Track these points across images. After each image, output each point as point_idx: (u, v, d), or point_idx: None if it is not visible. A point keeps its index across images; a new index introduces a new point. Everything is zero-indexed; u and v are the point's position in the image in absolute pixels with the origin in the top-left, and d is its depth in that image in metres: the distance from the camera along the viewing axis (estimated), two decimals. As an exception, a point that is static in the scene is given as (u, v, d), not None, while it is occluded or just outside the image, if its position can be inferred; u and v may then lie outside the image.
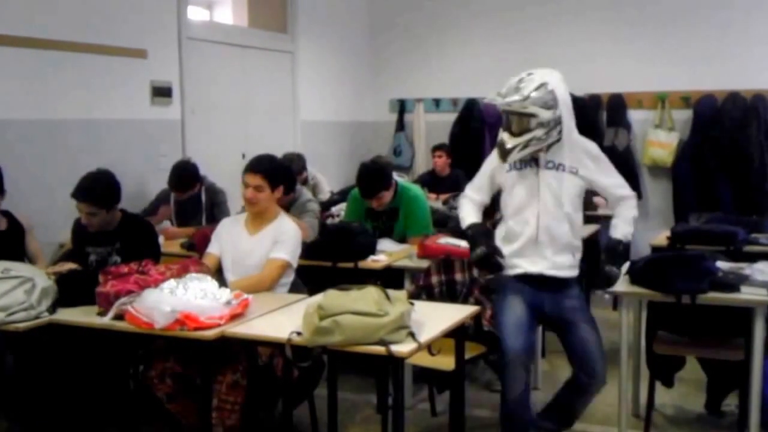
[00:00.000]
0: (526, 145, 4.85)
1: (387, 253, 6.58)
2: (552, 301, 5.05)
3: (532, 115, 4.80)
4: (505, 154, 4.95)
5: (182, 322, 4.41)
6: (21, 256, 5.87)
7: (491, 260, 5.00)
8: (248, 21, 10.25)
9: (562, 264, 5.05)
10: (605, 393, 5.47)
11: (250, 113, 9.82)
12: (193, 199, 7.76)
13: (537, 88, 4.82)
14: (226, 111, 9.40)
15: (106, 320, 4.63)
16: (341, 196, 8.65)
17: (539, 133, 4.82)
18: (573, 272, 5.11)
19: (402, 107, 12.45)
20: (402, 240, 6.95)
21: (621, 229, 5.07)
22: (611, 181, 5.16)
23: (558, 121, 4.86)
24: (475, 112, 11.63)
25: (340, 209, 7.94)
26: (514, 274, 5.08)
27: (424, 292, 5.82)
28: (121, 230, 5.74)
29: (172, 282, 4.65)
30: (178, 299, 4.50)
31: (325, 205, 8.19)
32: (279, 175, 5.78)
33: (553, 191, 4.98)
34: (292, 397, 5.34)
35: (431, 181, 10.31)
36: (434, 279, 5.86)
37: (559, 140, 4.93)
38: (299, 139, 10.60)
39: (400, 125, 12.47)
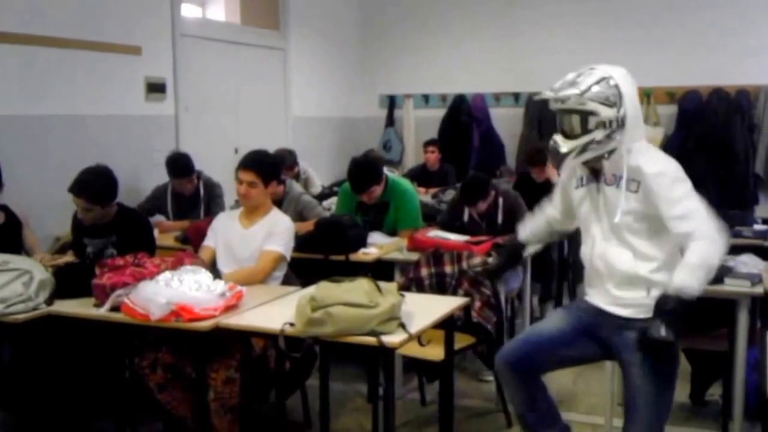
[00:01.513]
0: (583, 149, 4.04)
1: (378, 246, 6.62)
2: (610, 331, 4.23)
3: (591, 113, 4.00)
4: (559, 160, 4.28)
5: (177, 314, 4.44)
6: (18, 249, 5.92)
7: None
8: (240, 18, 10.31)
9: (627, 301, 4.14)
10: (591, 383, 5.58)
11: (242, 109, 9.88)
12: (192, 193, 7.85)
13: (598, 82, 4.02)
14: (219, 107, 9.46)
15: (103, 312, 4.67)
16: (332, 190, 8.73)
17: (599, 135, 3.99)
18: (641, 313, 4.07)
19: (392, 103, 12.53)
20: (392, 233, 6.98)
21: (677, 276, 3.83)
22: (672, 211, 3.91)
23: (622, 122, 3.99)
24: (464, 107, 11.74)
25: (331, 203, 7.99)
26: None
27: (414, 284, 5.84)
28: (118, 223, 5.76)
29: (167, 274, 4.68)
30: (174, 291, 4.53)
31: (317, 199, 8.25)
32: (272, 170, 5.87)
33: (609, 211, 4.12)
34: (285, 387, 5.36)
35: (421, 176, 10.37)
36: (424, 271, 5.90)
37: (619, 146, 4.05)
38: (291, 134, 10.66)
39: (390, 120, 12.55)
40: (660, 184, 3.93)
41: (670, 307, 3.78)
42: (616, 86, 4.01)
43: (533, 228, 4.84)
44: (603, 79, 4.02)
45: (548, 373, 4.47)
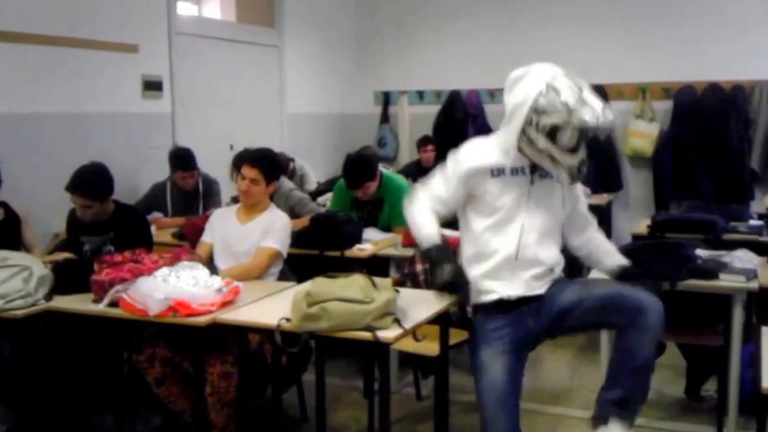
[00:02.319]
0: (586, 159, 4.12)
1: (372, 242, 6.66)
2: (536, 312, 4.25)
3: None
4: (576, 176, 4.14)
5: (175, 309, 4.48)
6: (17, 246, 5.96)
7: (460, 281, 4.23)
8: (236, 16, 10.32)
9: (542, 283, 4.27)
10: (587, 378, 5.60)
11: (238, 106, 9.90)
12: (192, 188, 7.88)
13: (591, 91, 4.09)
14: (214, 104, 9.47)
15: (101, 307, 4.71)
16: (327, 186, 8.75)
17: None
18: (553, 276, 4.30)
19: (386, 99, 12.51)
20: (387, 229, 7.04)
21: (617, 257, 4.44)
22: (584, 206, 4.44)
23: None
24: (458, 103, 11.72)
25: (326, 199, 8.03)
26: (486, 301, 4.30)
27: (409, 279, 5.84)
28: (115, 220, 5.80)
29: (164, 270, 4.72)
30: (171, 287, 4.56)
31: (312, 196, 8.27)
32: (275, 169, 5.92)
33: (548, 203, 4.24)
34: (281, 382, 5.39)
35: (416, 172, 10.37)
36: (419, 267, 5.90)
37: None
38: (286, 131, 10.68)
39: (385, 117, 12.54)
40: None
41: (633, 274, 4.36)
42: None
43: (437, 226, 4.44)
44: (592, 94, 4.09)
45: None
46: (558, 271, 4.35)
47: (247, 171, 5.65)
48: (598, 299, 4.10)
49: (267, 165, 5.74)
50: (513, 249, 4.20)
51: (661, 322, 3.92)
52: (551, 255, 4.29)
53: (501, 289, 4.24)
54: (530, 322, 4.25)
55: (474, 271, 4.31)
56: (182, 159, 7.76)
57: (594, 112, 3.96)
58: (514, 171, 4.21)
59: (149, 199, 7.87)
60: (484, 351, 4.26)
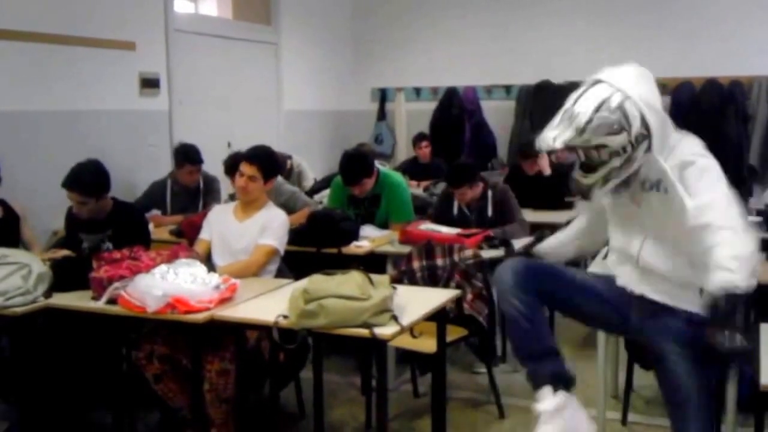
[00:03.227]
0: (606, 180, 3.77)
1: (370, 239, 6.67)
2: (644, 314, 3.94)
3: (600, 146, 3.68)
4: (587, 196, 3.96)
5: (173, 306, 4.50)
6: (16, 243, 5.98)
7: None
8: (233, 13, 10.34)
9: (674, 294, 3.85)
10: (585, 374, 5.60)
11: (235, 103, 9.92)
12: (194, 185, 7.91)
13: (597, 109, 3.64)
14: (212, 101, 9.49)
15: (100, 304, 4.72)
16: (324, 183, 8.76)
17: (616, 162, 3.69)
18: (687, 304, 3.77)
19: (383, 96, 12.55)
20: (384, 226, 7.04)
21: (713, 277, 3.34)
22: (695, 201, 3.55)
23: (641, 138, 3.67)
24: (455, 100, 11.75)
25: (322, 196, 8.05)
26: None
27: (406, 276, 5.88)
28: (113, 218, 5.80)
29: (162, 267, 4.72)
30: (169, 284, 4.57)
31: (309, 193, 8.29)
32: (274, 168, 5.93)
33: (657, 218, 3.84)
34: (279, 379, 5.38)
35: (413, 169, 10.41)
36: (416, 264, 5.93)
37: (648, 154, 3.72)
38: (283, 128, 10.69)
39: (382, 114, 12.57)
40: (690, 173, 3.64)
41: (721, 312, 3.31)
42: (621, 106, 3.65)
43: (559, 240, 4.50)
44: (601, 104, 3.66)
45: (552, 312, 4.24)
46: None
47: (246, 168, 5.67)
48: (669, 386, 3.75)
49: (266, 163, 5.75)
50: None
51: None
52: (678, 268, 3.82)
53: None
54: (634, 314, 4.00)
55: None
56: (191, 152, 7.79)
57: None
58: None
59: (149, 197, 7.88)
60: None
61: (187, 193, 7.86)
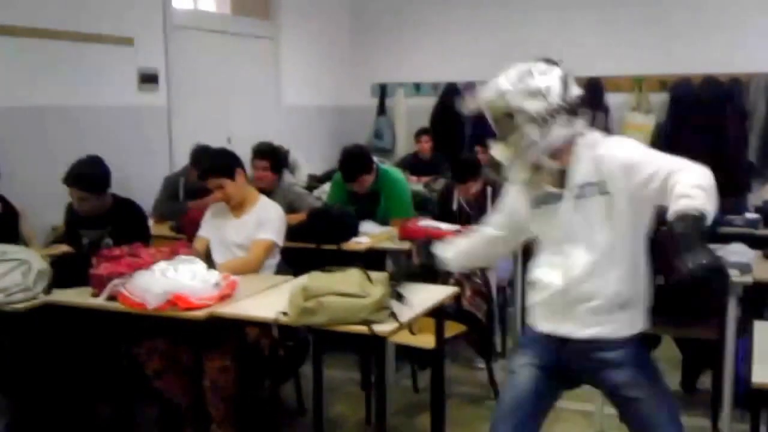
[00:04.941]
0: (522, 152, 3.49)
1: (369, 235, 6.68)
2: (590, 365, 3.59)
3: (518, 111, 3.45)
4: (505, 173, 3.68)
5: (173, 303, 4.52)
6: (16, 239, 5.96)
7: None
8: (231, 8, 10.33)
9: (605, 318, 3.51)
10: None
11: (234, 98, 9.91)
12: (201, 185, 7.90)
13: (519, 78, 3.48)
14: (210, 96, 9.48)
15: (100, 301, 4.75)
16: (321, 180, 8.80)
17: (533, 132, 3.42)
18: (624, 330, 3.53)
19: (383, 91, 12.51)
20: (384, 222, 7.03)
21: (677, 204, 3.05)
22: (651, 169, 3.30)
23: (555, 113, 3.43)
24: (455, 95, 11.73)
25: (322, 192, 8.06)
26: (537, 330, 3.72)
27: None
28: (113, 213, 5.81)
29: (162, 264, 4.75)
30: (169, 281, 4.61)
31: (306, 187, 8.31)
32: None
33: (581, 227, 3.50)
34: (279, 375, 5.43)
35: (413, 164, 10.41)
36: (415, 260, 5.95)
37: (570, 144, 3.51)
38: (282, 123, 10.66)
39: (382, 109, 12.53)
40: (629, 164, 3.36)
41: (687, 238, 2.95)
42: (543, 77, 3.48)
43: (458, 251, 4.16)
44: (525, 73, 3.50)
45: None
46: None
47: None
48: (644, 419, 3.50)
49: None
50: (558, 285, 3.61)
51: None
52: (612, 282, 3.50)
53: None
54: (575, 366, 3.63)
55: None
56: (199, 158, 7.77)
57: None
58: None
59: (167, 191, 7.87)
60: (518, 352, 3.83)
61: (197, 189, 7.86)
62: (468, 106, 3.73)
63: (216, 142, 8.87)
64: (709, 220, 3.03)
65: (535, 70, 3.50)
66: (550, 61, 3.57)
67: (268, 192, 6.48)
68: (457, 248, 4.15)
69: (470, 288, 5.62)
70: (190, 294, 4.56)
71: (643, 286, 3.57)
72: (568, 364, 3.60)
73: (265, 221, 5.69)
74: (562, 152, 3.51)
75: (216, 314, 4.57)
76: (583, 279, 3.50)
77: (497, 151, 3.58)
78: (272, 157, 7.10)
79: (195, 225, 6.03)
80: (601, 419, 5.62)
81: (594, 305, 3.49)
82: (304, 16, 11.24)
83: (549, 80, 3.48)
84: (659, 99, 10.61)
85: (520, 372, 3.67)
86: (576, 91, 3.54)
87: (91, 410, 5.68)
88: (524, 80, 3.47)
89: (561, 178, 3.54)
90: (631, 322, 3.53)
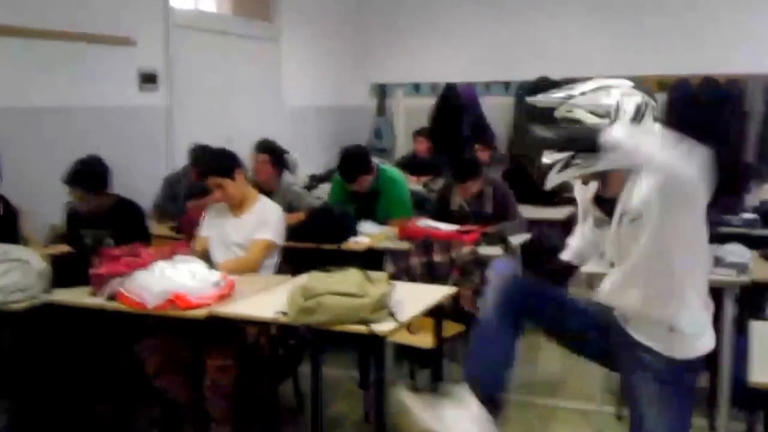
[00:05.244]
0: (566, 165, 3.32)
1: (368, 235, 6.70)
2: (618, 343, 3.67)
3: (574, 121, 3.39)
4: (542, 176, 3.41)
5: (173, 302, 4.54)
6: (16, 239, 5.97)
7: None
8: (232, 9, 10.34)
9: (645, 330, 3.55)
10: (582, 369, 5.62)
11: (235, 99, 9.90)
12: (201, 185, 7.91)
13: (594, 90, 3.41)
14: (211, 97, 9.46)
15: (100, 301, 4.76)
16: (321, 180, 8.82)
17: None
18: (658, 345, 3.51)
19: (383, 92, 12.56)
20: (384, 222, 7.04)
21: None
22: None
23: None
24: (454, 96, 11.76)
25: (322, 192, 8.08)
26: None
27: (405, 273, 5.93)
28: (114, 213, 5.85)
29: (162, 264, 4.76)
30: (169, 280, 4.62)
31: (305, 187, 8.33)
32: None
33: (617, 251, 3.54)
34: (278, 374, 5.43)
35: (412, 164, 10.41)
36: (414, 260, 5.95)
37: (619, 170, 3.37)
38: (283, 123, 10.65)
39: (381, 109, 12.57)
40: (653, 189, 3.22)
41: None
42: (617, 100, 3.36)
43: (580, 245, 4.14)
44: (601, 88, 3.41)
45: (533, 326, 3.94)
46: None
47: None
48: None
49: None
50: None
51: None
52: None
53: None
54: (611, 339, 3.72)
55: None
56: (197, 158, 7.78)
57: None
58: None
59: (167, 191, 7.90)
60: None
61: (195, 191, 7.87)
62: (538, 101, 3.56)
63: (216, 142, 8.88)
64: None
65: (614, 88, 3.41)
66: (639, 87, 3.46)
67: (268, 192, 6.50)
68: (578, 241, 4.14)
69: (469, 288, 5.63)
70: (189, 293, 4.57)
71: (687, 313, 3.47)
72: (614, 337, 3.67)
73: (265, 221, 5.70)
74: (611, 179, 3.47)
75: (216, 314, 4.58)
76: (607, 295, 3.65)
77: (548, 157, 3.38)
78: (272, 153, 7.29)
79: (195, 225, 6.05)
80: (599, 417, 5.63)
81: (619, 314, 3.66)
82: (304, 17, 11.24)
83: (624, 103, 3.37)
84: (658, 99, 10.55)
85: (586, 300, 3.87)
86: (650, 124, 3.45)
87: (91, 410, 5.70)
88: (597, 93, 3.40)
89: (611, 203, 3.50)
90: (666, 341, 3.48)
